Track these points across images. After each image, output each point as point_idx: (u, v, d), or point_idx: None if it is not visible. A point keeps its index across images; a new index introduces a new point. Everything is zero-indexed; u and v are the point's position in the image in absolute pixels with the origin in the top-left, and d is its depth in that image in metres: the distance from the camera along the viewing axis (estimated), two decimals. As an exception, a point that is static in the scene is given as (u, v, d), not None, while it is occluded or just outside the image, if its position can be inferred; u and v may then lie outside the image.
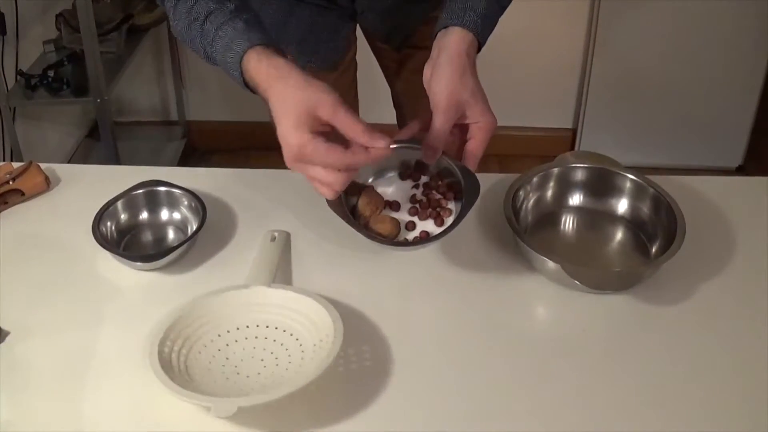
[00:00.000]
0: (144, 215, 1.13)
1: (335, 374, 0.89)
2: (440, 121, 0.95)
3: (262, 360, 0.90)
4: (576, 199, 1.13)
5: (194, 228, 1.08)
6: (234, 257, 1.08)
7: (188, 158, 2.77)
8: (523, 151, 2.45)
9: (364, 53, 1.45)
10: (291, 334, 0.92)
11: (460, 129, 0.98)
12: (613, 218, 1.11)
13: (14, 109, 2.21)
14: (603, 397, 0.88)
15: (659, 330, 0.97)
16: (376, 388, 0.88)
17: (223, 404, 0.80)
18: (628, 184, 1.11)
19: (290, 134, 0.85)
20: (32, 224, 1.14)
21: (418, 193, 1.04)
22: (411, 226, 1.01)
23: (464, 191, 0.98)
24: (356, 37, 1.40)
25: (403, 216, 1.02)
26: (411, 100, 1.49)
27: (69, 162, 2.57)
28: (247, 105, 2.78)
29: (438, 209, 1.01)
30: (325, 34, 1.32)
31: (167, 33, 2.65)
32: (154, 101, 2.88)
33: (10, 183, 1.16)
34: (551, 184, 1.13)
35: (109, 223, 1.09)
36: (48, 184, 1.20)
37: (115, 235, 1.10)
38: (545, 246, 1.01)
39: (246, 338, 0.93)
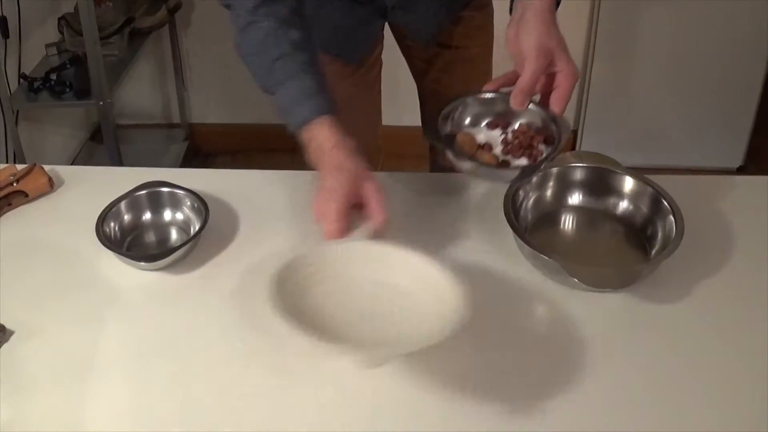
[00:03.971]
0: (147, 216, 1.14)
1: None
2: (532, 68, 0.99)
3: (375, 316, 0.89)
4: (575, 198, 1.14)
5: (197, 228, 1.09)
6: (236, 257, 1.09)
7: (191, 160, 2.77)
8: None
9: (389, 52, 1.45)
10: (407, 295, 0.91)
11: (544, 80, 1.03)
12: (613, 218, 1.12)
13: (17, 112, 2.22)
14: (602, 394, 0.88)
15: (658, 328, 0.97)
16: (362, 389, 0.89)
17: (373, 354, 0.79)
18: (627, 184, 1.11)
19: (335, 188, 0.95)
20: (36, 225, 1.15)
21: (509, 137, 1.06)
22: (505, 165, 1.03)
23: (557, 128, 1.03)
24: (384, 36, 1.41)
25: (497, 157, 1.05)
26: (438, 99, 1.50)
27: (72, 165, 2.58)
28: (248, 107, 2.80)
29: (530, 149, 1.04)
30: (355, 29, 1.34)
31: (169, 36, 2.66)
32: (157, 104, 2.89)
33: (14, 185, 1.16)
34: (551, 183, 1.14)
35: (112, 224, 1.10)
36: (51, 185, 1.21)
37: (118, 235, 1.11)
38: (545, 245, 1.01)
39: (360, 295, 0.91)
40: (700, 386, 0.89)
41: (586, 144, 2.72)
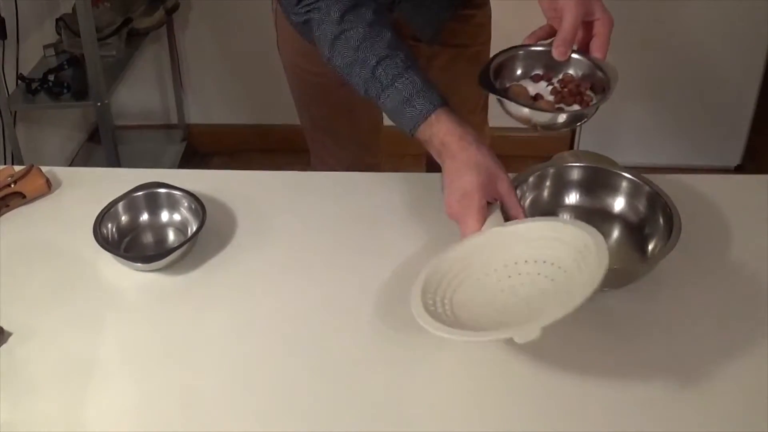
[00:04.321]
0: (144, 217, 1.14)
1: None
2: (573, 16, 1.02)
3: (523, 292, 0.89)
4: (573, 198, 1.14)
5: (194, 229, 1.09)
6: (234, 258, 1.09)
7: (188, 161, 2.77)
8: (523, 152, 2.44)
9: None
10: (544, 261, 0.91)
11: (583, 28, 1.06)
12: (610, 217, 1.12)
13: (15, 113, 2.21)
14: (598, 394, 0.89)
15: (656, 327, 0.97)
16: (364, 386, 0.89)
17: (524, 330, 0.78)
18: (624, 183, 1.11)
19: (466, 185, 0.94)
20: (34, 226, 1.15)
21: (557, 87, 1.08)
22: (561, 111, 1.05)
23: (604, 73, 1.05)
24: None
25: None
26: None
27: (70, 166, 2.58)
28: (246, 108, 2.80)
29: (580, 96, 1.06)
30: None
31: (167, 37, 2.66)
32: (154, 105, 2.89)
33: (12, 186, 1.16)
34: (548, 183, 1.14)
35: (110, 225, 1.10)
36: (49, 186, 1.21)
37: (115, 236, 1.11)
38: None
39: (500, 279, 0.91)
40: (697, 386, 0.89)
41: (584, 143, 2.72)
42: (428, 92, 1.01)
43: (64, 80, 2.19)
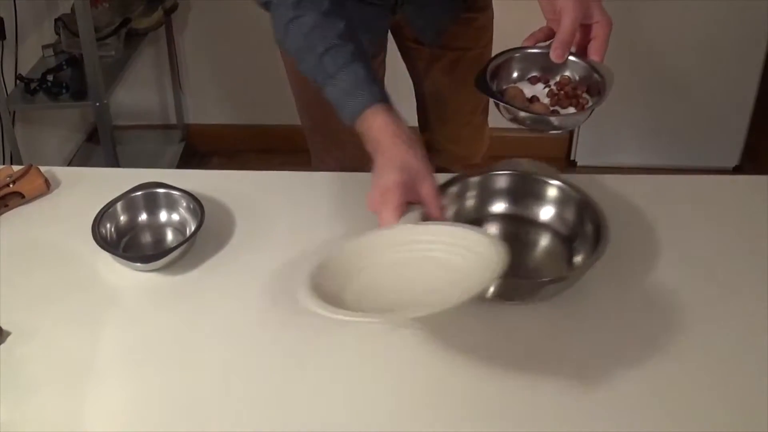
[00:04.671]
0: (143, 217, 1.14)
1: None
2: (571, 18, 1.02)
3: (419, 287, 0.89)
4: (499, 206, 1.11)
5: (193, 229, 1.09)
6: (232, 258, 1.09)
7: (187, 161, 2.77)
8: (519, 153, 2.45)
9: (389, 54, 1.45)
10: (444, 261, 0.90)
11: (581, 32, 1.05)
12: (538, 226, 1.09)
13: (14, 113, 2.22)
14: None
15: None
16: (366, 389, 0.89)
17: (395, 317, 0.81)
18: (553, 191, 1.09)
19: (389, 183, 0.93)
20: (32, 226, 1.15)
21: (554, 89, 1.08)
22: (555, 114, 1.05)
23: (600, 76, 1.05)
24: (387, 40, 1.41)
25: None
26: (436, 102, 1.50)
27: (68, 166, 2.58)
28: (245, 108, 2.80)
29: (576, 99, 1.05)
30: (363, 28, 1.33)
31: (165, 37, 2.66)
32: (153, 105, 2.89)
33: (11, 186, 1.16)
34: (472, 193, 1.11)
35: (108, 225, 1.10)
36: (48, 186, 1.21)
37: (114, 236, 1.11)
38: None
39: (394, 275, 0.91)
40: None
41: (582, 144, 2.73)
42: (370, 86, 1.00)
43: (63, 80, 2.19)
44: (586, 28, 1.05)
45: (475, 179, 1.11)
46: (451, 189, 1.09)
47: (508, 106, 1.04)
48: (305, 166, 1.47)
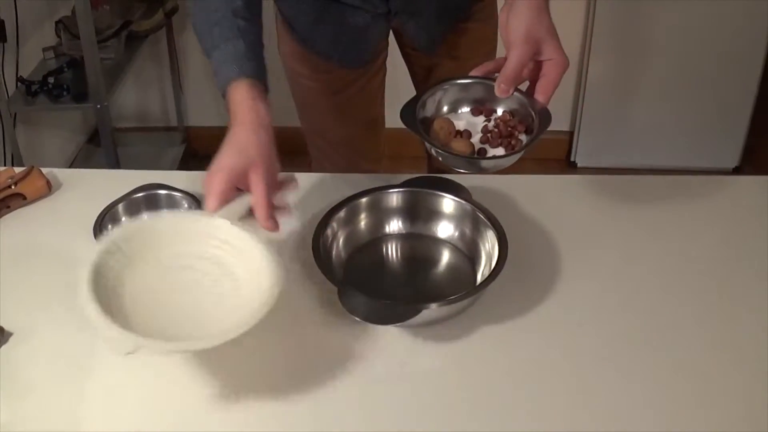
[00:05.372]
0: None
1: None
2: (517, 54, 0.98)
3: (194, 292, 0.88)
4: (394, 225, 1.09)
5: (194, 230, 1.09)
6: (234, 259, 1.09)
7: (188, 163, 2.77)
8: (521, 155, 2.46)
9: (392, 54, 1.45)
10: (229, 271, 0.90)
11: (533, 68, 1.01)
12: (438, 243, 1.08)
13: (15, 115, 2.22)
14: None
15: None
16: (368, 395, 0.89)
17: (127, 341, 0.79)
18: (447, 206, 1.08)
19: (219, 165, 0.93)
20: (34, 228, 1.15)
21: (490, 125, 1.04)
22: (483, 152, 1.02)
23: (535, 119, 0.99)
24: (388, 43, 1.41)
25: (474, 144, 1.03)
26: None
27: (70, 167, 2.58)
28: (246, 110, 2.80)
29: (509, 138, 1.01)
30: (355, 34, 1.33)
31: (166, 39, 2.66)
32: (154, 107, 2.89)
33: (12, 187, 1.17)
34: (362, 215, 1.09)
35: (110, 226, 1.10)
36: (49, 188, 1.21)
37: (116, 237, 1.11)
38: (362, 281, 0.96)
39: (183, 267, 0.90)
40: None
41: (581, 145, 2.73)
42: (245, 61, 1.00)
43: (64, 82, 2.20)
44: (538, 65, 1.00)
45: (364, 200, 1.07)
46: (339, 214, 1.05)
47: (426, 142, 0.99)
48: (305, 167, 1.47)
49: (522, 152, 0.98)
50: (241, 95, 0.98)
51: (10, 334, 0.96)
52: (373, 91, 1.45)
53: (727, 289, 1.03)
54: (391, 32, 1.40)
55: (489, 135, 1.02)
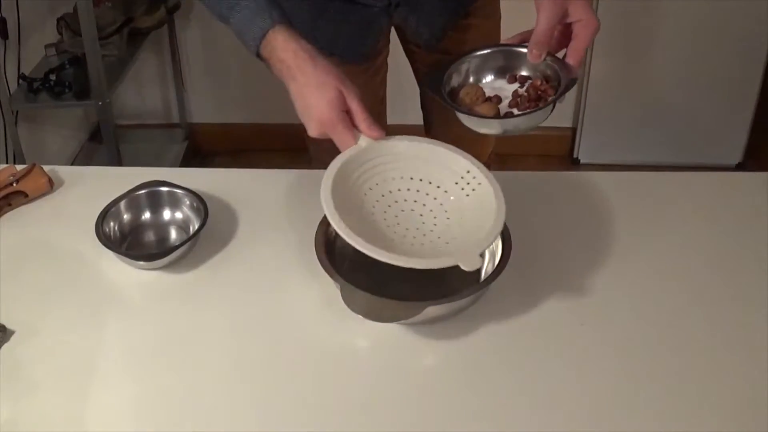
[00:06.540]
0: (146, 215, 1.14)
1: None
2: (546, 17, 0.98)
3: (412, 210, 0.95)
4: None
5: (196, 227, 1.09)
6: (235, 256, 1.09)
7: (190, 160, 2.77)
8: (522, 150, 2.45)
9: (395, 50, 1.45)
10: (430, 182, 0.95)
11: (563, 32, 1.02)
12: None
13: (17, 112, 2.22)
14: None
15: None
16: (369, 385, 0.89)
17: (469, 258, 0.85)
18: None
19: (323, 110, 0.95)
20: (36, 225, 1.15)
21: (521, 90, 1.06)
22: (510, 116, 1.03)
23: (562, 79, 1.01)
24: (389, 40, 1.41)
25: (503, 109, 1.04)
26: (438, 105, 1.50)
27: (71, 165, 2.58)
28: (247, 107, 2.80)
29: (537, 102, 1.02)
30: (356, 29, 1.33)
31: (168, 36, 2.66)
32: (156, 104, 2.89)
33: (14, 185, 1.17)
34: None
35: (112, 224, 1.10)
36: (51, 185, 1.21)
37: (117, 235, 1.11)
38: (366, 279, 0.94)
39: (399, 189, 0.96)
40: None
41: (585, 140, 2.73)
42: (272, 10, 0.99)
43: (66, 80, 2.19)
44: (568, 28, 1.01)
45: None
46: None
47: (448, 106, 1.02)
48: (308, 165, 1.47)
49: (540, 111, 0.99)
50: (284, 39, 0.98)
51: (12, 332, 0.96)
52: (375, 88, 1.44)
53: (731, 287, 1.02)
54: (393, 30, 1.39)
55: (518, 99, 1.04)
